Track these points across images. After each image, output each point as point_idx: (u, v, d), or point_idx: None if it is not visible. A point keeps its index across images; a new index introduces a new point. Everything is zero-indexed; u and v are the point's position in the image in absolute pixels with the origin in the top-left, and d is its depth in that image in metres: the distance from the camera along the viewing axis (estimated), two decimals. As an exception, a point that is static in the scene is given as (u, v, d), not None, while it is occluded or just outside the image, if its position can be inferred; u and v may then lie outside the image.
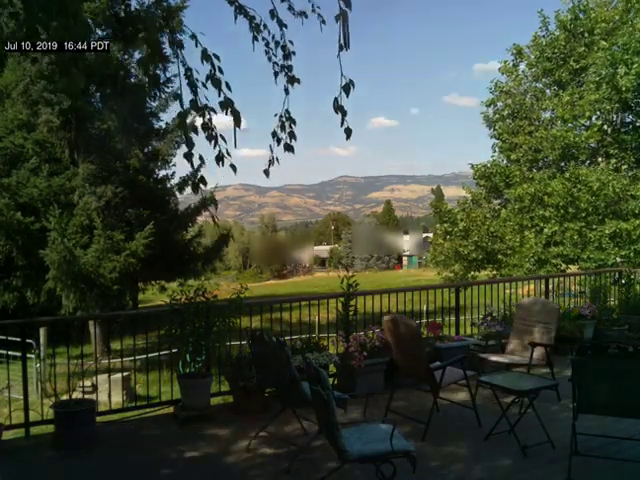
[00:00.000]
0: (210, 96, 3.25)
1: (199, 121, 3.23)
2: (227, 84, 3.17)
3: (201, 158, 3.32)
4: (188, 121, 3.53)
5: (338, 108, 3.27)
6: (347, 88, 3.20)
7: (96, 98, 14.51)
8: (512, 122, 19.37)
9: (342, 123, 3.31)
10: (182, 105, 3.20)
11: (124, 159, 14.28)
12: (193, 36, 3.22)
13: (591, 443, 4.01)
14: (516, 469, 4.03)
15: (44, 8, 2.37)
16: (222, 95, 3.15)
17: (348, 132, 3.32)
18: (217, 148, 3.20)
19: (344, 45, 3.14)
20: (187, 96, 3.26)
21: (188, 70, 3.26)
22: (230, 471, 4.13)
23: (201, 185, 3.42)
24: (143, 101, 15.03)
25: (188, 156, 3.18)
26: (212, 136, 3.20)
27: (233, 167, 3.25)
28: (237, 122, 3.15)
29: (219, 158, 3.20)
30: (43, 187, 13.71)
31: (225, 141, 3.20)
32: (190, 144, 3.17)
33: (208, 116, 3.20)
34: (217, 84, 3.15)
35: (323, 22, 3.39)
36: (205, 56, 3.15)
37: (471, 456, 4.28)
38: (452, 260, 18.46)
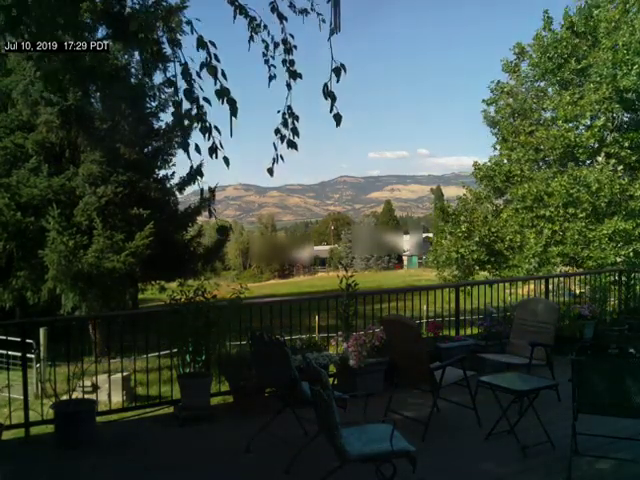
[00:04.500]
0: (205, 87, 3.10)
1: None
2: (223, 72, 3.01)
3: (197, 148, 3.18)
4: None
5: (328, 94, 3.14)
6: (338, 72, 3.08)
7: (96, 98, 14.49)
8: (513, 121, 19.37)
9: (331, 109, 3.18)
10: (177, 92, 3.10)
11: (124, 159, 14.27)
12: (188, 22, 3.07)
13: (591, 443, 4.01)
14: (516, 469, 4.03)
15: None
16: (218, 84, 2.99)
17: (338, 118, 3.19)
18: (211, 140, 3.06)
19: (335, 28, 3.06)
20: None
21: (183, 62, 3.15)
22: (230, 471, 4.14)
23: (199, 178, 3.29)
24: (142, 101, 15.00)
25: (184, 145, 3.10)
26: (206, 128, 3.06)
27: (226, 160, 3.08)
28: (233, 111, 3.00)
29: (212, 150, 3.05)
30: (43, 187, 13.69)
31: (220, 132, 3.05)
32: (186, 134, 3.13)
33: (203, 108, 3.08)
34: (213, 72, 2.99)
35: (323, 21, 3.30)
36: (201, 43, 2.98)
37: (471, 456, 4.29)
38: (453, 262, 18.45)
